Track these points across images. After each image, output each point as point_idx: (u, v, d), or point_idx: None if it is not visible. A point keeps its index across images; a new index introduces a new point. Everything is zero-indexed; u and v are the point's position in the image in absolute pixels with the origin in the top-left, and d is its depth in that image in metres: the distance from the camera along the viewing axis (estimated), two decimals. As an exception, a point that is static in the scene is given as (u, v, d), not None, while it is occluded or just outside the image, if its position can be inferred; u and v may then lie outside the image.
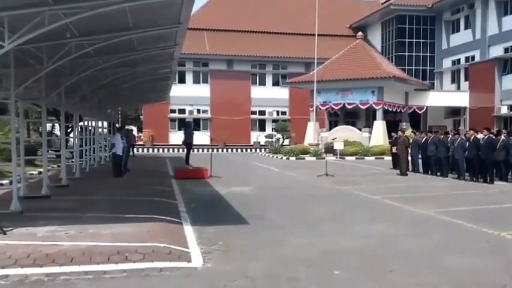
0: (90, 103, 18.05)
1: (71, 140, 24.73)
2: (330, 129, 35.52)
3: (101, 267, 5.71)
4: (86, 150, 19.13)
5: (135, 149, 30.47)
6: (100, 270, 5.65)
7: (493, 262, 6.32)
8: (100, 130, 23.46)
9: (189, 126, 22.49)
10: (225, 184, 14.83)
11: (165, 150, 38.58)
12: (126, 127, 26.85)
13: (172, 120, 42.44)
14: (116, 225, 7.63)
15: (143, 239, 6.71)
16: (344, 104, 33.89)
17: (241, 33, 43.68)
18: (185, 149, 21.83)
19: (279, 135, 38.37)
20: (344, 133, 31.07)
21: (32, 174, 15.69)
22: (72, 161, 17.48)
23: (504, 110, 32.29)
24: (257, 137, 41.89)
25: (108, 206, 9.70)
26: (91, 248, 6.25)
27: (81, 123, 20.41)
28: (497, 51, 33.79)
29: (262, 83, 43.76)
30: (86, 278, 5.48)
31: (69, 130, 27.73)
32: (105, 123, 25.87)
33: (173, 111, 42.26)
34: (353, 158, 28.63)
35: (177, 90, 37.20)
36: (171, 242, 6.67)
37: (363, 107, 34.09)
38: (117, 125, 28.28)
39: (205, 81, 42.81)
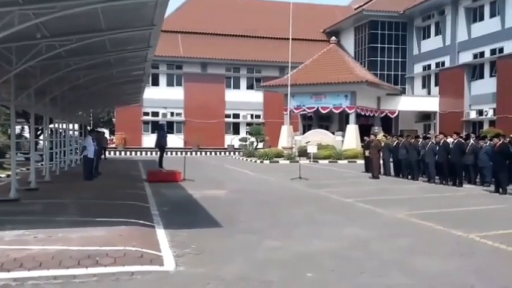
0: (61, 105, 17.75)
1: (41, 142, 24.25)
2: (304, 132, 35.78)
3: (70, 271, 5.61)
4: (56, 153, 18.79)
5: (107, 152, 30.10)
6: (70, 274, 5.54)
7: (462, 263, 6.45)
8: (71, 133, 23.08)
9: (162, 129, 22.26)
10: (199, 187, 14.75)
11: (138, 153, 38.19)
12: (98, 130, 26.50)
13: (146, 123, 42.06)
14: (86, 229, 7.50)
15: (114, 243, 6.61)
16: (317, 107, 34.20)
17: (216, 36, 43.65)
18: (158, 152, 21.64)
19: (253, 139, 38.42)
20: (317, 137, 31.30)
21: (0, 177, 15.31)
22: (42, 164, 17.16)
23: (473, 115, 33.06)
24: (231, 140, 41.83)
25: (79, 210, 9.54)
26: (61, 252, 6.13)
27: (51, 126, 20.04)
28: (466, 57, 34.63)
29: (237, 86, 43.76)
30: (55, 282, 5.37)
31: (39, 132, 27.20)
32: (76, 126, 25.49)
33: (146, 114, 41.89)
34: (326, 161, 28.86)
35: (150, 93, 36.91)
36: (143, 246, 6.59)
37: (336, 111, 34.44)
38: (88, 127, 27.88)
39: (179, 84, 42.59)
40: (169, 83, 42.57)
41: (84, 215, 8.90)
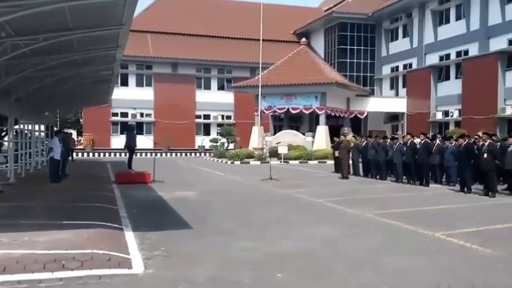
0: (27, 105, 17.34)
1: (6, 144, 23.63)
2: (275, 133, 35.90)
3: (36, 275, 5.47)
4: (22, 155, 18.35)
5: (74, 154, 29.57)
6: (35, 279, 5.40)
7: (428, 261, 6.57)
8: (37, 134, 22.58)
9: (131, 130, 22.08)
10: (169, 189, 14.63)
11: (107, 154, 37.62)
12: (65, 131, 26.01)
13: (114, 123, 41.49)
14: (52, 232, 7.34)
15: (81, 246, 6.49)
16: (288, 108, 34.38)
17: (186, 36, 43.42)
18: (127, 154, 21.41)
19: (223, 140, 38.37)
20: (288, 137, 31.46)
21: (-38, 179, 14.84)
22: (7, 166, 16.73)
23: (439, 116, 33.81)
24: (202, 141, 41.67)
25: (45, 213, 9.32)
26: (26, 256, 5.98)
27: (16, 127, 19.56)
28: (433, 59, 35.39)
29: (207, 87, 43.62)
30: (20, 287, 5.23)
31: (3, 134, 26.52)
32: (43, 127, 24.96)
33: (115, 114, 41.33)
34: (297, 162, 29.03)
35: (119, 93, 36.54)
36: (111, 249, 6.49)
37: (307, 112, 34.71)
38: (55, 128, 27.34)
39: (148, 85, 42.17)
40: (139, 84, 42.12)
41: (50, 218, 8.70)
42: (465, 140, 14.72)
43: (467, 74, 30.75)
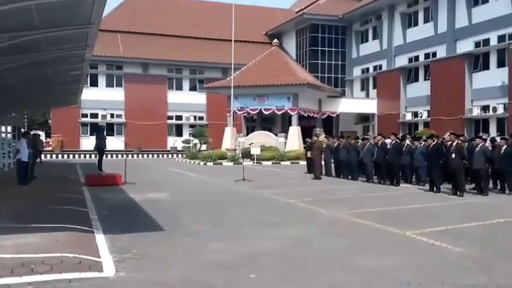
0: (-7, 106, 16.91)
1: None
2: (247, 134, 35.91)
3: (3, 280, 5.32)
4: (-12, 157, 17.88)
5: (42, 155, 28.98)
6: (2, 284, 5.25)
7: (399, 260, 6.66)
8: (3, 135, 22.05)
9: (101, 131, 21.72)
10: (140, 191, 14.47)
11: (76, 156, 36.98)
12: (33, 132, 25.48)
13: (84, 124, 40.82)
14: (20, 235, 7.16)
15: (51, 250, 6.34)
16: (261, 109, 34.45)
17: (157, 36, 43.05)
18: (97, 155, 21.09)
19: (196, 141, 38.17)
20: (261, 138, 31.51)
21: None
22: (-28, 168, 16.29)
23: (409, 117, 34.41)
24: (174, 142, 41.37)
25: (12, 216, 9.07)
26: (-8, 261, 5.81)
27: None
28: (402, 61, 36.01)
29: (179, 87, 43.34)
30: (-14, 293, 5.09)
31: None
32: (9, 128, 24.40)
33: (85, 115, 40.68)
34: (269, 162, 29.10)
35: (88, 94, 36.06)
36: (81, 252, 6.37)
37: (279, 113, 34.85)
38: (22, 129, 26.74)
39: (119, 85, 41.63)
40: (109, 84, 41.55)
41: (18, 221, 8.49)
42: (434, 141, 15.00)
43: (436, 76, 31.39)
